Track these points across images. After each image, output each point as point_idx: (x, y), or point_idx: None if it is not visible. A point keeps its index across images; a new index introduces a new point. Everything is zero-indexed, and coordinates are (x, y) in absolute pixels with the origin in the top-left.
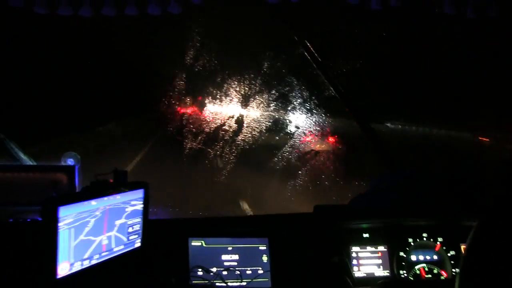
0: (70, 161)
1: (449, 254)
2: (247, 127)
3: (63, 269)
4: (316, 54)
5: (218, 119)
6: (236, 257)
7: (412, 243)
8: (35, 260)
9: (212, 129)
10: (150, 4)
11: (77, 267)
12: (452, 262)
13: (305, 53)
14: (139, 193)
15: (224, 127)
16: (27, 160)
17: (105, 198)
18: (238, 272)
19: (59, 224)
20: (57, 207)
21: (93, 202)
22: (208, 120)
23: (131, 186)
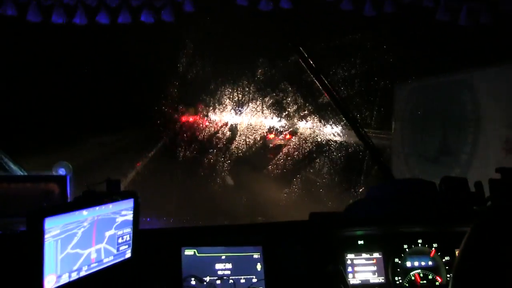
0: (62, 171)
1: (444, 260)
2: (240, 135)
3: (49, 282)
4: (311, 61)
5: (212, 127)
6: (229, 266)
7: (407, 250)
8: (22, 273)
9: (205, 137)
10: (143, 12)
11: (65, 279)
12: (447, 267)
13: (300, 60)
14: (129, 203)
15: (218, 134)
16: (17, 171)
17: (96, 208)
18: (232, 281)
19: (45, 236)
20: (43, 218)
21: (82, 213)
22: (201, 128)
23: (120, 196)
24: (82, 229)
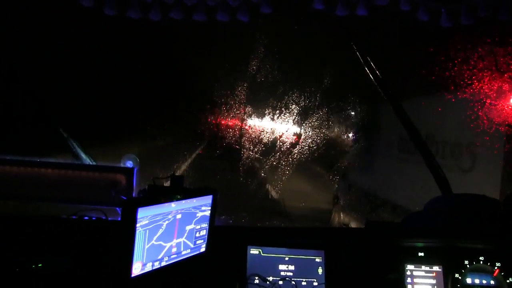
0: (129, 163)
1: (508, 281)
2: (305, 139)
3: (136, 269)
4: (377, 71)
5: (277, 130)
6: (292, 267)
7: (468, 266)
8: (106, 257)
9: (270, 140)
10: (219, 11)
11: (149, 267)
12: None
13: (366, 69)
14: (208, 199)
15: (282, 138)
16: (87, 160)
17: (183, 202)
18: (294, 283)
19: (137, 225)
20: (136, 208)
21: (171, 205)
22: (267, 131)
23: (201, 192)
24: (167, 222)
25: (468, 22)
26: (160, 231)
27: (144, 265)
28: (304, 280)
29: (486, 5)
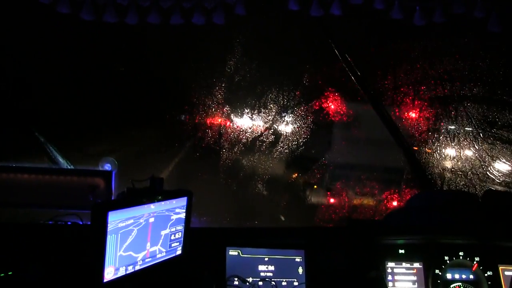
0: (108, 166)
1: (486, 275)
2: (284, 139)
3: (108, 274)
4: (356, 69)
5: (256, 129)
6: (272, 268)
7: (448, 261)
8: (79, 263)
9: (249, 139)
10: (195, 13)
11: (122, 272)
12: (489, 283)
13: (345, 67)
14: (183, 201)
15: (261, 137)
16: (65, 164)
17: (162, 203)
18: (274, 283)
19: (108, 229)
20: (106, 211)
21: (141, 208)
22: (246, 130)
23: (175, 194)
24: (139, 226)
25: (441, 20)
26: (133, 235)
27: (117, 269)
28: (284, 280)
29: (460, 2)
